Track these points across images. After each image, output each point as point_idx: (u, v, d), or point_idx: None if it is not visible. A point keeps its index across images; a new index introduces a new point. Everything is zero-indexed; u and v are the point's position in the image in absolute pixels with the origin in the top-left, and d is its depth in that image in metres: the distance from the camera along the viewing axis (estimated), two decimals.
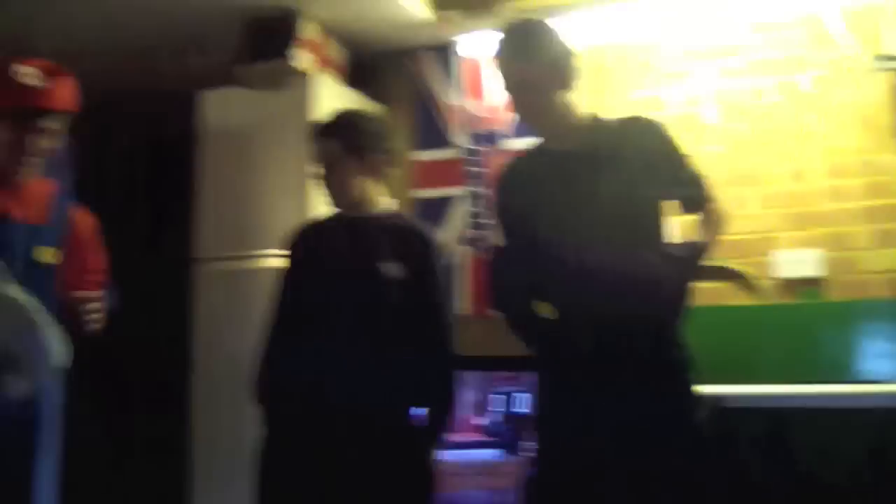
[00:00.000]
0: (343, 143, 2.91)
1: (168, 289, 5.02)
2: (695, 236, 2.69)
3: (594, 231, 2.58)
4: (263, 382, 2.89)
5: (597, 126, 2.69)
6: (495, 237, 2.87)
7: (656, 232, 2.64)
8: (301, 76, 4.24)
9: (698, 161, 2.70)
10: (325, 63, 4.36)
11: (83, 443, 4.92)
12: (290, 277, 3.00)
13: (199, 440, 4.26)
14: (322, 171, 2.95)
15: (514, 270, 2.66)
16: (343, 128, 2.95)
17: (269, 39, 4.33)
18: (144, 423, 5.27)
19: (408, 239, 2.91)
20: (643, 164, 2.60)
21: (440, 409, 2.85)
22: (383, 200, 3.02)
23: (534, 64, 2.58)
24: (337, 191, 2.95)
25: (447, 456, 3.58)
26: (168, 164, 5.56)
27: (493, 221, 2.94)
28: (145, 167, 5.60)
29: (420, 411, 2.84)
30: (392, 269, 2.83)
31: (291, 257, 3.04)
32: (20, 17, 4.44)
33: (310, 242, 3.04)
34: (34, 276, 2.57)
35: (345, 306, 2.83)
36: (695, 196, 2.68)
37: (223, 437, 4.10)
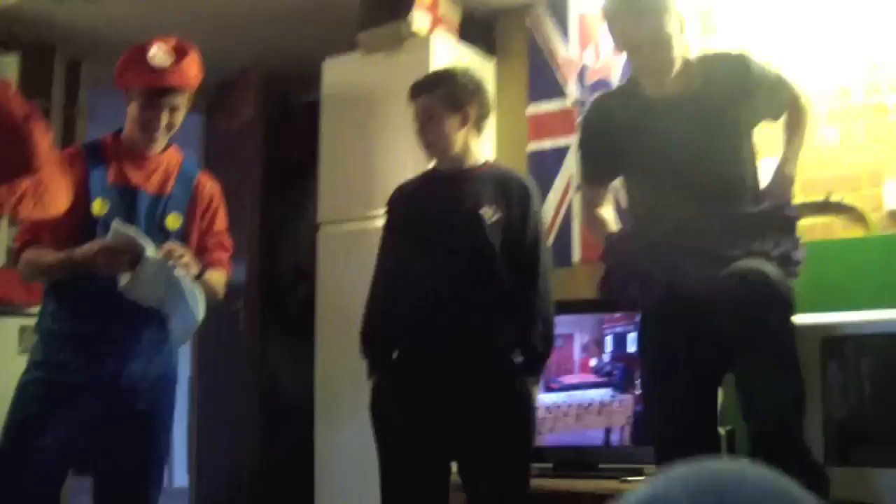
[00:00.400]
0: (440, 98, 3.03)
1: (301, 252, 5.30)
2: (783, 141, 2.83)
3: (682, 180, 2.68)
4: (369, 334, 3.08)
5: (689, 68, 2.76)
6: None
7: (744, 181, 2.75)
8: (418, 37, 4.37)
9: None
10: (440, 22, 4.47)
11: (228, 388, 5.27)
12: (390, 232, 3.17)
13: (323, 393, 4.51)
14: (421, 127, 3.09)
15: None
16: (439, 83, 3.07)
17: (387, 4, 4.48)
18: (278, 377, 5.58)
19: (505, 185, 3.01)
20: (731, 102, 2.71)
21: (539, 351, 2.95)
22: (481, 152, 3.13)
23: (657, 19, 2.67)
24: (437, 145, 3.07)
25: (561, 397, 3.71)
26: (297, 131, 5.80)
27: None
28: (277, 134, 5.84)
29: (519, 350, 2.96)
30: (490, 213, 2.96)
31: (390, 213, 3.20)
32: None
33: (408, 198, 3.18)
34: (165, 242, 2.79)
35: (446, 252, 2.96)
36: (779, 100, 2.81)
37: (345, 391, 4.28)
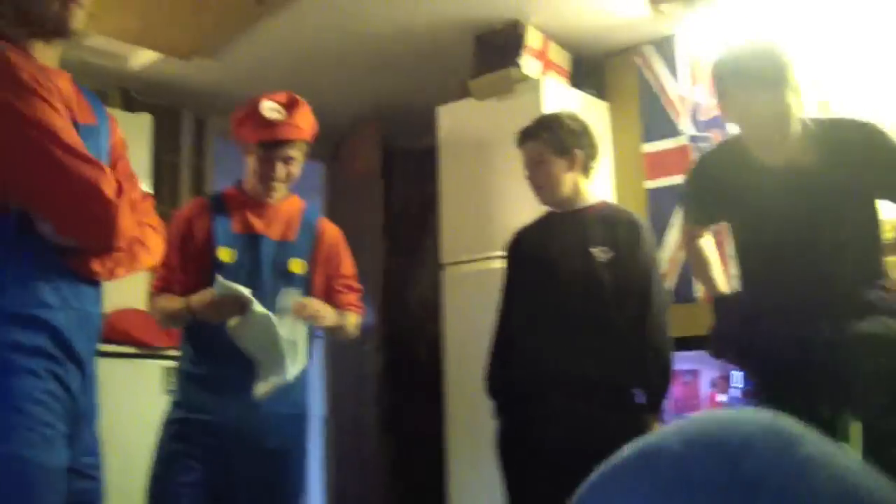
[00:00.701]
0: (546, 143, 3.13)
1: (426, 293, 5.43)
2: None
3: (796, 255, 2.59)
4: (492, 377, 3.17)
5: (805, 135, 2.59)
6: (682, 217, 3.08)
7: (866, 260, 2.62)
8: (528, 82, 4.47)
9: None
10: (550, 67, 4.57)
11: (359, 426, 5.39)
12: (509, 276, 3.27)
13: (453, 430, 4.61)
14: (531, 172, 3.19)
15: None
16: (544, 129, 3.16)
17: (498, 50, 4.59)
18: (407, 416, 5.69)
19: (615, 224, 3.08)
20: (853, 176, 2.54)
21: (656, 386, 2.99)
22: (591, 193, 3.21)
23: (776, 92, 2.51)
24: (546, 189, 3.17)
25: None
26: (415, 175, 5.95)
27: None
28: (396, 179, 6.00)
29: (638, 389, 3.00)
30: (602, 253, 3.02)
31: (509, 257, 3.30)
32: (260, 54, 4.94)
33: (525, 240, 3.29)
34: (288, 286, 2.93)
35: (561, 294, 3.04)
36: None
37: (475, 427, 4.36)
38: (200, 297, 2.76)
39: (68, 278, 2.10)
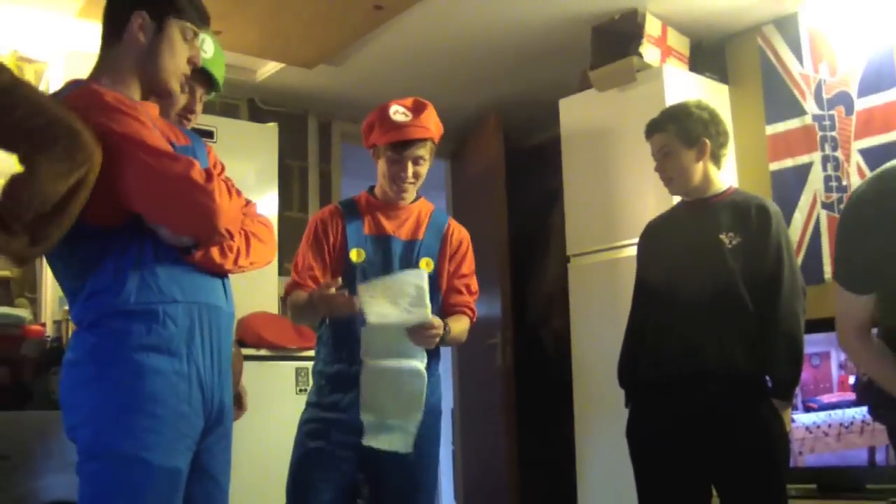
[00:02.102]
0: (674, 134, 3.12)
1: (552, 285, 5.45)
2: None
3: None
4: (624, 366, 3.17)
5: None
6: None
7: None
8: (649, 70, 4.44)
9: None
10: (670, 53, 4.53)
11: (488, 419, 5.46)
12: (641, 266, 3.27)
13: (582, 419, 4.62)
14: (660, 164, 3.18)
15: None
16: (672, 120, 3.15)
17: (617, 40, 4.57)
18: (538, 407, 5.73)
19: (745, 210, 3.04)
20: None
21: (787, 373, 2.94)
22: (721, 180, 3.18)
23: None
24: (676, 180, 3.16)
25: (820, 416, 3.64)
26: (538, 168, 5.98)
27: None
28: (519, 173, 6.03)
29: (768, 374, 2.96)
30: (732, 239, 3.00)
31: (640, 248, 3.31)
32: (381, 57, 5.02)
33: (655, 231, 3.29)
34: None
35: (692, 282, 3.02)
36: None
37: (604, 418, 4.40)
38: (319, 292, 2.83)
39: (191, 273, 2.22)
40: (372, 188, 3.17)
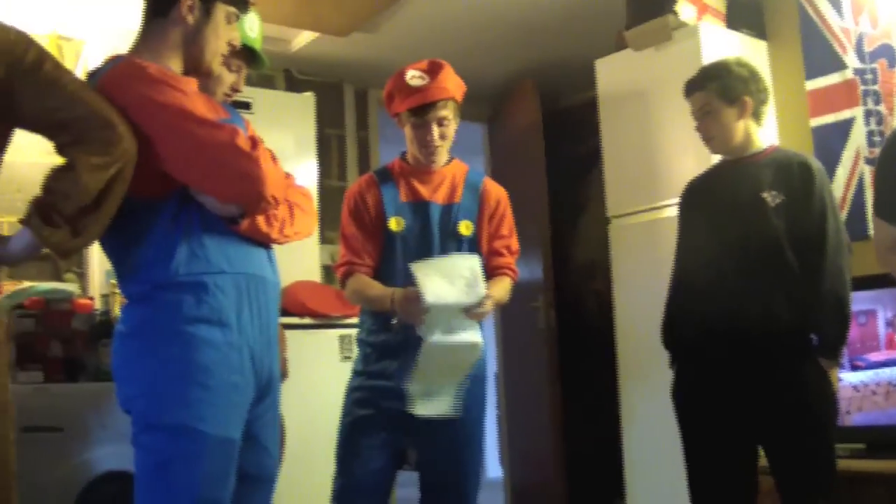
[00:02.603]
0: (715, 92, 3.08)
1: (593, 247, 5.45)
2: None
3: None
4: (668, 326, 3.17)
5: None
6: None
7: None
8: (685, 29, 4.39)
9: None
10: (706, 11, 4.47)
11: (532, 383, 5.49)
12: (683, 226, 3.26)
13: (626, 381, 4.64)
14: (700, 123, 3.15)
15: None
16: (713, 77, 3.12)
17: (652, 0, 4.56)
18: (580, 369, 5.74)
19: (787, 168, 3.02)
20: None
21: (834, 331, 2.92)
22: (762, 138, 3.16)
23: None
24: (717, 139, 3.13)
25: (868, 375, 3.62)
26: (575, 130, 5.96)
27: None
28: (557, 134, 6.02)
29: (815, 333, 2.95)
30: (772, 197, 2.98)
31: (680, 207, 3.29)
32: (415, 23, 5.02)
33: (696, 190, 3.27)
34: (458, 248, 3.02)
35: (735, 240, 3.01)
36: None
37: (647, 379, 4.41)
38: (399, 295, 2.84)
39: (238, 244, 2.26)
40: (404, 154, 3.16)
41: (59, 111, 2.05)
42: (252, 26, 2.61)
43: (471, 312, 2.83)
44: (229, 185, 2.18)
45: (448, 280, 2.81)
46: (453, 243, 3.03)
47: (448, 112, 3.02)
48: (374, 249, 3.04)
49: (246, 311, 2.23)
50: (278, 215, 2.33)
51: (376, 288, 2.97)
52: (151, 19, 2.33)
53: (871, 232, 4.00)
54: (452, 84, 3.03)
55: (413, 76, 2.99)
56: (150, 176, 2.14)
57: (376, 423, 2.95)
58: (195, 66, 2.33)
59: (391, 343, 2.96)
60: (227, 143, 2.14)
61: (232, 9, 2.33)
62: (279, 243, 2.40)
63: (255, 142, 2.20)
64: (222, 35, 2.33)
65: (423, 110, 2.98)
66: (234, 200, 2.21)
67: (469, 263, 2.86)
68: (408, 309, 2.80)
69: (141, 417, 2.16)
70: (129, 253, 2.19)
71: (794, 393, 2.88)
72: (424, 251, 2.98)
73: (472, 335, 2.87)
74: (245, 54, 2.63)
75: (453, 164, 3.15)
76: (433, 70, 3.01)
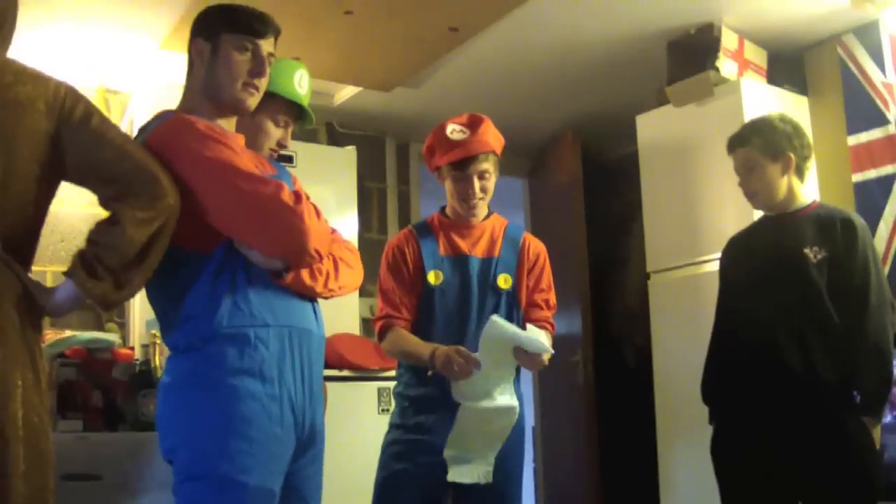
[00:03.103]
0: (759, 148, 3.09)
1: (633, 302, 5.43)
2: None
3: None
4: (708, 381, 3.15)
5: None
6: None
7: None
8: (727, 84, 4.40)
9: None
10: (747, 66, 4.49)
11: (570, 437, 5.43)
12: (724, 281, 3.24)
13: (664, 436, 4.59)
14: (743, 178, 3.15)
15: None
16: (756, 133, 3.12)
17: (693, 54, 4.55)
18: (621, 425, 5.69)
19: (830, 224, 3.01)
20: None
21: (876, 388, 2.89)
22: (805, 194, 3.15)
23: None
24: (761, 195, 3.13)
25: None
26: (615, 184, 5.97)
27: None
28: (596, 189, 6.02)
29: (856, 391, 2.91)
30: (815, 253, 2.96)
31: (722, 262, 3.28)
32: (457, 77, 5.05)
33: (738, 246, 3.26)
34: (498, 302, 3.02)
35: (776, 296, 2.99)
36: None
37: (684, 430, 4.38)
38: (441, 356, 2.81)
39: (283, 297, 2.27)
40: (443, 209, 3.18)
41: (106, 165, 2.08)
42: (302, 83, 2.65)
43: (525, 360, 2.84)
44: (273, 240, 2.20)
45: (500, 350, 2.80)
46: (492, 297, 3.02)
47: (489, 165, 3.04)
48: (412, 303, 3.04)
49: (288, 363, 2.24)
50: (323, 269, 2.35)
51: (414, 342, 2.97)
52: (188, 76, 2.40)
53: None
54: (493, 137, 3.05)
55: (454, 130, 3.02)
56: (196, 229, 2.17)
57: (413, 478, 2.93)
58: (222, 105, 2.35)
59: (429, 397, 2.95)
60: (272, 197, 2.17)
61: (242, 36, 2.33)
62: (324, 297, 2.41)
63: (299, 196, 2.22)
64: (235, 66, 2.33)
65: (463, 164, 3.00)
66: (277, 254, 2.23)
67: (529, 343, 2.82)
68: (455, 363, 2.77)
69: (183, 468, 2.17)
70: (175, 305, 2.22)
71: (835, 449, 2.84)
72: (463, 305, 2.99)
73: (508, 399, 2.86)
74: (293, 110, 2.66)
75: (492, 218, 3.16)
76: (473, 124, 3.04)
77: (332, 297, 2.43)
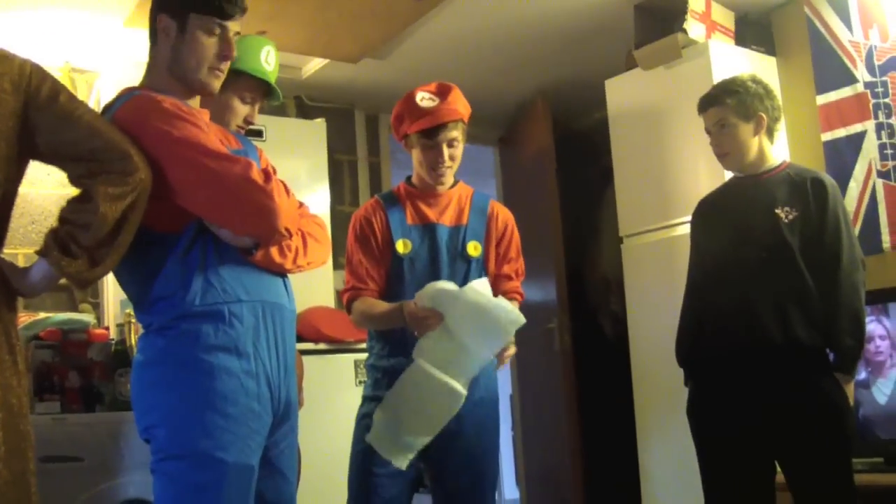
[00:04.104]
0: (731, 108, 3.09)
1: (607, 267, 5.45)
2: None
3: None
4: (682, 344, 3.17)
5: None
6: None
7: None
8: (694, 47, 4.40)
9: None
10: (715, 28, 4.49)
11: (548, 404, 5.46)
12: (696, 243, 3.25)
13: (642, 400, 4.63)
14: (715, 139, 3.16)
15: None
16: (729, 93, 3.12)
17: (660, 18, 4.55)
18: (598, 390, 5.74)
19: (801, 184, 3.03)
20: None
21: (849, 347, 2.91)
22: (776, 154, 3.16)
23: None
24: (733, 155, 3.13)
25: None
26: (587, 150, 5.97)
27: None
28: (568, 155, 6.02)
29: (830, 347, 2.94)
30: (786, 213, 2.98)
31: (694, 225, 3.29)
32: (424, 48, 5.05)
33: (709, 207, 3.27)
34: (468, 270, 3.02)
35: (749, 257, 3.01)
36: None
37: (663, 398, 4.41)
38: (412, 310, 2.81)
39: (254, 273, 2.27)
40: (409, 178, 3.18)
41: (75, 143, 2.07)
42: (269, 59, 2.64)
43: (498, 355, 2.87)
44: (243, 219, 2.20)
45: (477, 323, 2.77)
46: (462, 265, 3.03)
47: (457, 133, 3.04)
48: (380, 274, 3.04)
49: (263, 338, 2.25)
50: (292, 245, 2.35)
51: (381, 305, 2.97)
52: (150, 50, 2.37)
53: (886, 245, 4.02)
54: (461, 105, 3.06)
55: (423, 98, 3.02)
56: (165, 209, 2.16)
57: None
58: (188, 86, 2.33)
59: (402, 367, 2.92)
60: (241, 176, 2.15)
61: (210, 18, 2.30)
62: (293, 273, 2.41)
63: (268, 174, 2.21)
64: (202, 48, 2.30)
65: (433, 132, 3.00)
66: (247, 233, 2.23)
67: (500, 314, 2.77)
68: (422, 316, 2.77)
69: (161, 446, 2.17)
70: (147, 285, 2.21)
71: (810, 407, 2.87)
72: (433, 273, 2.99)
73: (460, 386, 2.79)
74: (260, 87, 2.65)
75: (459, 186, 3.17)
76: (442, 92, 3.04)
77: (300, 272, 2.43)
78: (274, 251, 2.30)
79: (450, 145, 3.03)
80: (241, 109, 2.62)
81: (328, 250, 2.53)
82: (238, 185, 2.15)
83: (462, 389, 2.79)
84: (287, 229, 2.25)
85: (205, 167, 2.14)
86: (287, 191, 2.29)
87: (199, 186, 2.16)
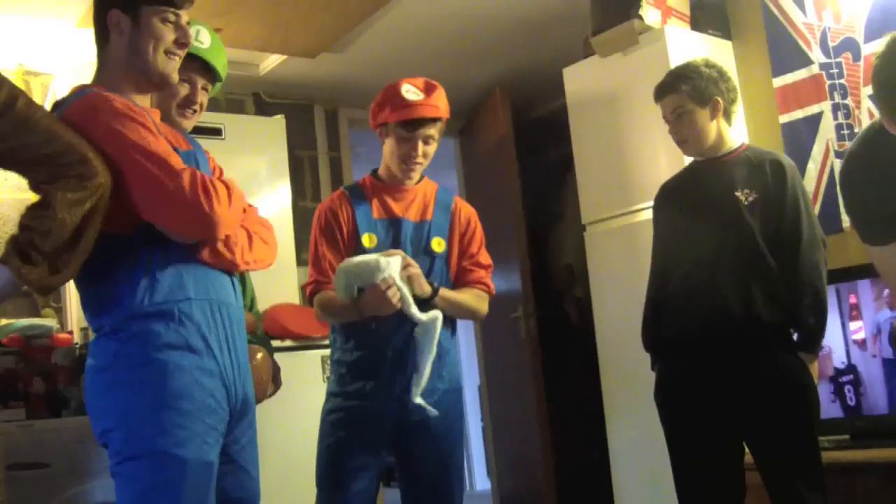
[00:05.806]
0: (687, 94, 3.10)
1: (571, 254, 5.46)
2: None
3: None
4: (647, 327, 3.19)
5: None
6: None
7: None
8: (651, 33, 4.41)
9: None
10: (670, 14, 4.49)
11: (516, 393, 5.47)
12: (658, 228, 3.28)
13: (609, 385, 4.64)
14: (673, 126, 3.17)
15: None
16: (683, 80, 3.13)
17: (616, 5, 4.55)
18: (564, 377, 5.75)
19: (759, 166, 3.05)
20: None
21: (812, 325, 2.95)
22: (734, 137, 3.19)
23: None
24: (691, 141, 3.15)
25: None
26: (547, 138, 5.98)
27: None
28: (529, 144, 6.04)
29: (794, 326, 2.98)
30: (746, 195, 3.01)
31: (655, 210, 3.32)
32: (382, 41, 5.03)
33: (670, 192, 3.29)
34: (431, 265, 3.02)
35: (710, 240, 3.03)
36: None
37: (628, 379, 4.42)
38: (367, 298, 2.81)
39: (202, 272, 2.26)
40: (375, 171, 3.17)
41: (33, 148, 2.04)
42: (200, 38, 2.62)
43: (408, 273, 2.84)
44: (183, 228, 2.19)
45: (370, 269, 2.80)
46: (426, 260, 3.02)
47: (435, 132, 3.05)
48: None
49: (213, 335, 2.24)
50: (237, 241, 2.33)
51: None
52: (99, 48, 2.34)
53: (845, 224, 4.06)
54: (443, 105, 3.06)
55: (409, 90, 3.01)
56: (114, 211, 2.13)
57: (356, 446, 2.92)
58: (148, 80, 2.31)
59: (365, 359, 2.94)
60: (181, 188, 2.13)
61: (163, 7, 2.28)
62: (241, 270, 2.41)
63: (211, 182, 2.19)
64: (161, 38, 2.28)
65: (413, 125, 3.00)
66: (187, 239, 2.22)
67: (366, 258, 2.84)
68: (379, 297, 2.77)
69: (118, 449, 2.15)
70: (97, 289, 2.20)
71: (776, 387, 2.90)
72: None
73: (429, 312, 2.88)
74: (199, 67, 2.63)
75: (424, 182, 3.17)
76: (428, 89, 3.04)
77: (247, 269, 2.44)
78: (221, 247, 2.27)
79: (425, 142, 3.03)
80: (180, 89, 2.62)
81: (274, 252, 2.50)
82: (177, 196, 2.13)
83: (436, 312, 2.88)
84: (227, 237, 2.26)
85: (148, 173, 2.13)
86: (231, 193, 2.26)
87: (143, 192, 2.14)
